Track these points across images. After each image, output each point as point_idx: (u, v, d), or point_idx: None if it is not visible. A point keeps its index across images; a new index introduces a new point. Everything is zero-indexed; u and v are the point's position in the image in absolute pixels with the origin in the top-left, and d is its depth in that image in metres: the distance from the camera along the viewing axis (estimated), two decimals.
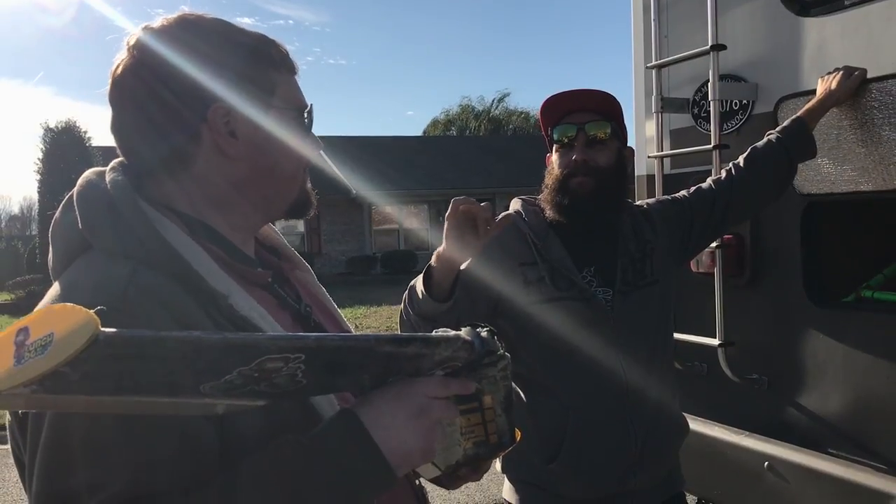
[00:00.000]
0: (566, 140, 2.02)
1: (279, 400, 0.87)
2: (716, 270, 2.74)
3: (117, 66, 1.09)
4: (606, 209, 2.03)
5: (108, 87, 1.10)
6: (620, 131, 2.07)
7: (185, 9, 1.14)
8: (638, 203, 2.24)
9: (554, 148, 2.08)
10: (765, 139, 2.26)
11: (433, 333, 0.92)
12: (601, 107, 2.04)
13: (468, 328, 0.97)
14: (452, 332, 0.94)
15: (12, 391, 0.71)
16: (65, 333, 0.71)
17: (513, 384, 1.05)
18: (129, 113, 1.10)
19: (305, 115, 1.17)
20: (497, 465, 2.13)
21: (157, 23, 1.10)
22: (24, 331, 0.73)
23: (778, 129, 2.26)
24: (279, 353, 0.80)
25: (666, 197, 2.27)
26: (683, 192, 2.26)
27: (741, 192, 2.19)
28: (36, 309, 0.73)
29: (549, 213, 2.03)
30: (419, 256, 25.46)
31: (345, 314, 1.35)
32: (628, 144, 2.12)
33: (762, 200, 2.30)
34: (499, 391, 1.03)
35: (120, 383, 0.75)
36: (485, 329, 0.98)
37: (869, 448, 2.43)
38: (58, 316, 0.73)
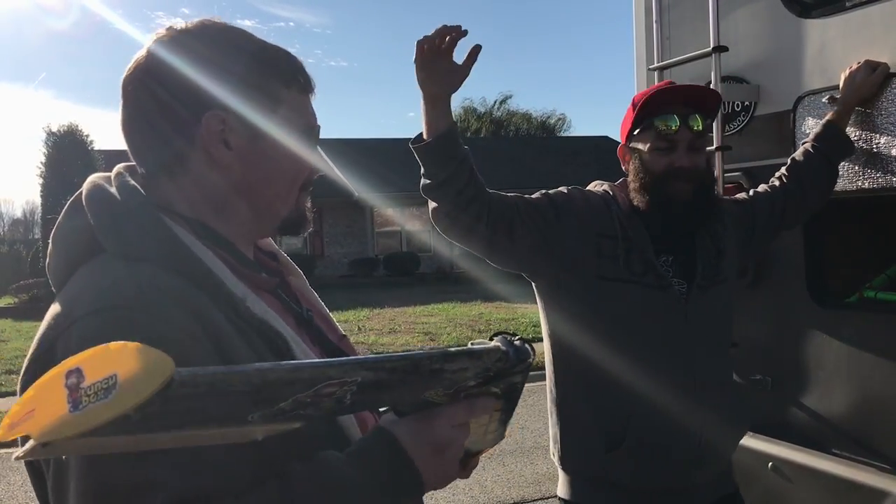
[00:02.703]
0: (669, 132, 1.95)
1: (316, 421, 0.87)
2: None
3: (126, 70, 1.10)
4: (702, 215, 2.02)
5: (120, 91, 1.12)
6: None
7: (211, 16, 1.15)
8: None
9: (650, 141, 1.99)
10: (801, 149, 2.33)
11: (476, 347, 0.93)
12: (705, 101, 2.04)
13: (500, 337, 0.98)
14: (492, 344, 0.95)
15: (71, 441, 0.65)
16: (132, 375, 0.65)
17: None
18: (133, 114, 1.11)
19: (312, 135, 1.17)
20: (555, 459, 2.12)
21: (173, 28, 1.12)
22: (77, 372, 0.67)
23: (812, 136, 2.34)
24: (340, 377, 0.79)
25: (729, 198, 2.31)
26: (743, 195, 2.31)
27: (794, 200, 2.27)
28: (89, 350, 0.68)
29: (637, 204, 2.00)
30: (421, 258, 25.49)
31: (347, 316, 1.37)
32: None
33: (811, 206, 2.35)
34: (513, 393, 1.04)
35: (177, 419, 0.71)
36: (517, 338, 0.99)
37: (872, 448, 2.43)
38: (118, 356, 0.67)
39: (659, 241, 1.99)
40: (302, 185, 1.17)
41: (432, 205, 1.97)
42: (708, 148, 2.71)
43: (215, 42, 1.10)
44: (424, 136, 1.87)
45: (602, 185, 2.14)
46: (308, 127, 1.16)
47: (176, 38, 1.10)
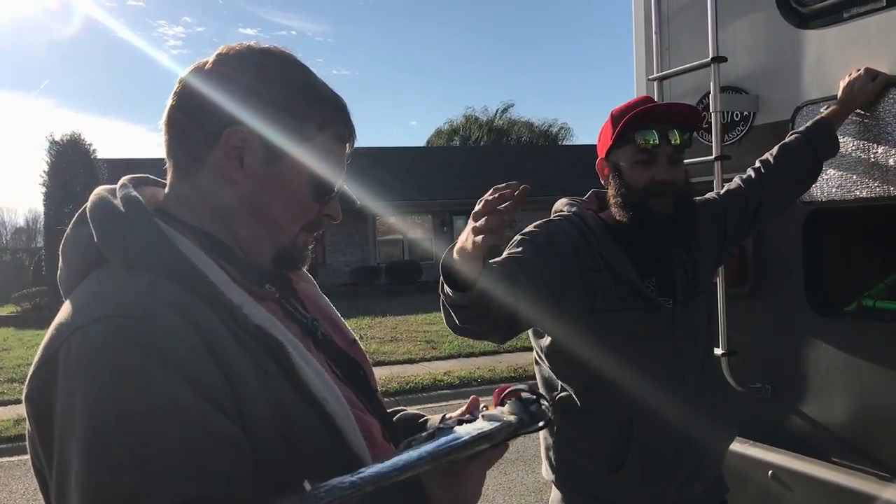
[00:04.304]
0: (650, 146, 1.95)
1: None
2: (718, 280, 2.75)
3: (183, 72, 1.16)
4: (684, 228, 2.00)
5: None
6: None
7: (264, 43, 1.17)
8: None
9: (629, 154, 1.99)
10: (790, 137, 2.31)
11: (490, 428, 0.96)
12: (686, 117, 2.02)
13: (515, 402, 1.02)
14: (505, 419, 0.99)
15: None
16: None
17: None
18: (171, 114, 1.14)
19: (333, 181, 1.17)
20: (544, 473, 2.13)
21: (231, 47, 1.15)
22: None
23: (802, 128, 2.32)
24: (355, 493, 0.82)
25: (698, 200, 2.27)
26: (713, 195, 2.28)
27: (771, 190, 2.23)
28: None
29: (620, 219, 1.98)
30: (423, 267, 25.48)
31: (349, 325, 1.37)
32: None
33: (790, 197, 2.34)
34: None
35: None
36: (533, 403, 1.03)
37: (872, 456, 2.44)
38: None
39: (640, 263, 1.99)
40: (305, 224, 1.18)
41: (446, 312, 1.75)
42: (707, 158, 2.74)
43: (259, 66, 1.13)
44: (459, 281, 1.59)
45: (572, 206, 2.10)
46: (330, 173, 1.16)
47: (226, 56, 1.14)
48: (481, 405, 1.11)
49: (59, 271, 1.12)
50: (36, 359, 1.00)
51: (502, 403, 1.04)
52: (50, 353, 0.97)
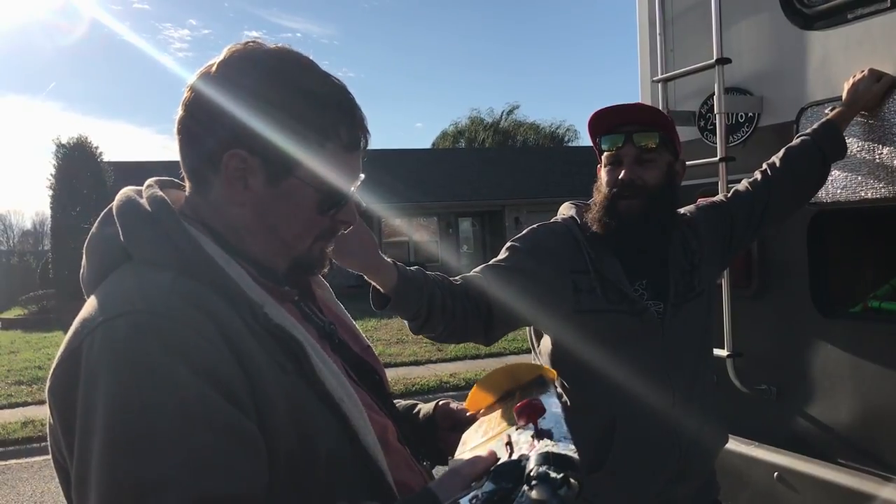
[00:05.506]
0: (615, 150, 1.99)
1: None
2: (723, 282, 2.76)
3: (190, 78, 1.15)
4: (656, 229, 2.01)
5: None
6: (672, 143, 2.04)
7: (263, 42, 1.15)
8: (680, 211, 2.20)
9: (602, 160, 2.05)
10: (797, 139, 2.30)
11: None
12: (650, 118, 2.03)
13: (541, 486, 0.90)
14: None
15: None
16: None
17: None
18: (181, 125, 1.14)
19: (343, 191, 1.16)
20: None
21: (222, 55, 1.13)
22: None
23: (809, 130, 2.31)
24: None
25: (705, 203, 2.28)
26: (721, 198, 2.29)
27: (779, 193, 2.23)
28: None
29: (596, 229, 2.00)
30: (429, 269, 25.39)
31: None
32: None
33: (798, 200, 2.33)
34: None
35: None
36: (561, 486, 0.91)
37: (878, 458, 2.43)
38: None
39: (631, 265, 2.00)
40: (318, 234, 1.18)
41: (427, 333, 1.97)
42: (712, 159, 2.74)
43: (261, 78, 1.11)
44: (384, 293, 1.87)
45: (571, 209, 2.14)
46: (338, 183, 1.15)
47: (220, 68, 1.11)
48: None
49: (81, 270, 1.14)
50: (59, 352, 1.02)
51: (527, 482, 0.92)
52: (74, 347, 0.99)
